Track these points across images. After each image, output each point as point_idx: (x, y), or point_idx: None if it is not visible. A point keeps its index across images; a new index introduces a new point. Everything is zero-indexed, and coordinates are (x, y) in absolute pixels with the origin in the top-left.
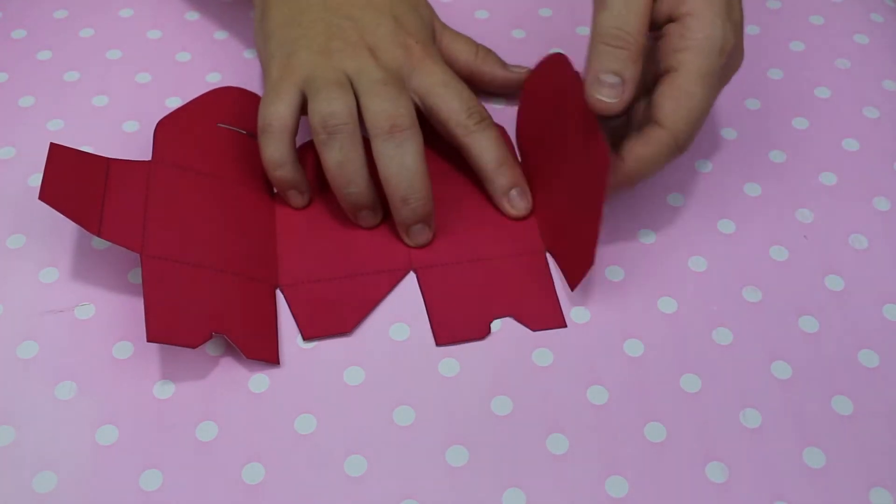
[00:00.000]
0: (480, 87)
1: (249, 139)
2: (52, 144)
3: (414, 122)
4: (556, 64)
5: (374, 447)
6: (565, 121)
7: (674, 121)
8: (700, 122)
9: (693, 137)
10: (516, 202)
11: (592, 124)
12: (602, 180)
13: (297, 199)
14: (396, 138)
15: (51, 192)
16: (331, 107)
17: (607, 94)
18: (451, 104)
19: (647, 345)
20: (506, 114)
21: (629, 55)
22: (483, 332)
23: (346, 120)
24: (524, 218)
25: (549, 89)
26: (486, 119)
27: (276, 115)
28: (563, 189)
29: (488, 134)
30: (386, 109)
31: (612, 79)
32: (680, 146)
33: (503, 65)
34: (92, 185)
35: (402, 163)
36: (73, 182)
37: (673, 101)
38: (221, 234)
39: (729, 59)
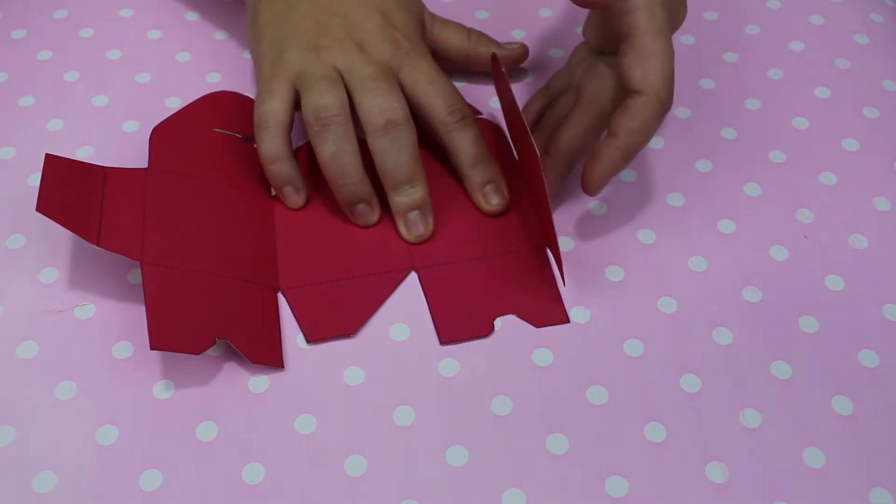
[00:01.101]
0: (478, 69)
1: (245, 143)
2: (47, 155)
3: (407, 116)
4: (495, 66)
5: (374, 447)
6: (511, 121)
7: (651, 83)
8: (672, 77)
9: (672, 92)
10: (490, 197)
11: (521, 125)
12: (538, 176)
13: (293, 196)
14: (392, 134)
15: (48, 204)
16: (323, 99)
17: None
18: (435, 102)
19: (647, 345)
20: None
21: None
22: (487, 330)
23: (338, 111)
24: (499, 214)
25: (498, 89)
26: (468, 118)
27: (271, 112)
28: (532, 186)
29: (468, 132)
30: (379, 104)
31: None
32: (665, 105)
33: (497, 44)
34: (89, 194)
35: (398, 158)
36: (70, 192)
37: (641, 66)
38: (221, 238)
39: (672, 13)
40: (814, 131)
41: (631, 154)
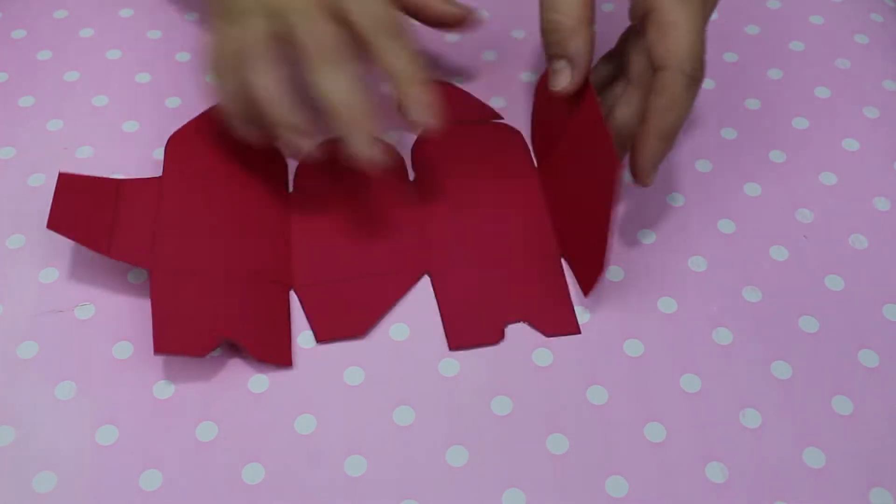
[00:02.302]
0: (425, 22)
1: (261, 147)
2: (60, 174)
3: (346, 47)
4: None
5: (374, 447)
6: (574, 126)
7: (672, 55)
8: (698, 45)
9: (701, 63)
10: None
11: (601, 129)
12: (610, 186)
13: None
14: (331, 64)
15: (59, 220)
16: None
17: (558, 83)
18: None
19: (647, 345)
20: (516, 114)
21: (562, 36)
22: (497, 337)
23: (255, 45)
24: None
25: (557, 95)
26: (392, 25)
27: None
28: (575, 194)
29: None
30: (322, 34)
31: (559, 65)
32: (691, 75)
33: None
34: (101, 208)
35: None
36: (82, 208)
37: (663, 41)
38: (234, 239)
39: None
40: (814, 131)
41: (667, 134)
